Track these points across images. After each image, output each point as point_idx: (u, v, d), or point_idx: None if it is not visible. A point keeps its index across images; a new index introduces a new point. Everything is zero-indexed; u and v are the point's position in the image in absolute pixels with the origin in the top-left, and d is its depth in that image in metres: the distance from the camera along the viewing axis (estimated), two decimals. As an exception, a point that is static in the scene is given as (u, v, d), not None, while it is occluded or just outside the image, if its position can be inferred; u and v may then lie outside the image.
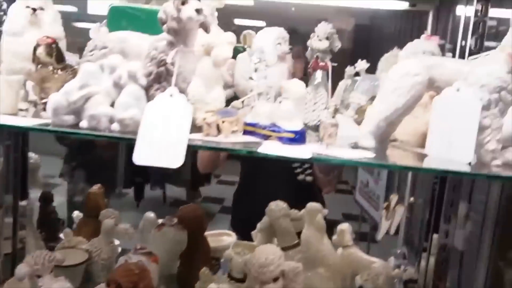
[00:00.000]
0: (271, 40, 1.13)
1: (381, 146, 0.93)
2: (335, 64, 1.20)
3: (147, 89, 0.82)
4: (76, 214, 1.48)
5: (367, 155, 0.77)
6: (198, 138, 0.81)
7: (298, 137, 0.81)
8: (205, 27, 0.80)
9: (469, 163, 0.78)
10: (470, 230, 1.65)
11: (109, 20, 0.98)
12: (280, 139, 0.82)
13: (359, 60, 1.23)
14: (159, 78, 0.80)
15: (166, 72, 0.80)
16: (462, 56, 1.41)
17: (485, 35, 1.35)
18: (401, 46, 1.14)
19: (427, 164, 0.82)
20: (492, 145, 0.79)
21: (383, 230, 1.77)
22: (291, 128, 0.81)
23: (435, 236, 1.32)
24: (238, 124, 0.89)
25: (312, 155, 0.74)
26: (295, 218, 1.27)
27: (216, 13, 0.97)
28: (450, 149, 0.82)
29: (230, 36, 0.94)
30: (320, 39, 1.13)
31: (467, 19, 1.38)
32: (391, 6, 1.95)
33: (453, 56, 1.46)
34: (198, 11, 0.75)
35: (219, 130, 0.83)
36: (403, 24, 1.97)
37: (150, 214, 1.31)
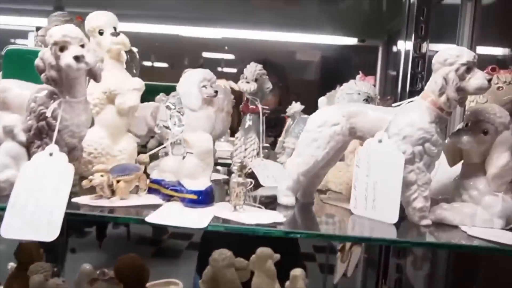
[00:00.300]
0: (195, 83, 1.03)
1: (305, 200, 0.82)
2: (267, 108, 1.11)
3: (28, 146, 0.70)
4: (11, 265, 1.31)
5: (277, 219, 0.66)
6: (86, 202, 0.68)
7: (202, 199, 0.69)
8: (93, 75, 0.69)
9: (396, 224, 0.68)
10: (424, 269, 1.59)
11: (5, 64, 0.86)
12: (183, 200, 0.70)
13: (293, 102, 1.14)
14: (40, 133, 0.68)
15: (48, 127, 0.68)
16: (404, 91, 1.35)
17: (425, 70, 1.30)
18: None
19: (350, 227, 0.71)
20: (419, 202, 0.69)
21: (339, 273, 1.65)
22: (195, 187, 0.70)
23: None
24: (141, 181, 0.77)
25: (208, 223, 0.62)
26: (240, 268, 1.14)
27: (124, 56, 0.86)
28: (375, 208, 0.71)
29: (137, 82, 0.83)
30: (248, 81, 1.04)
31: (407, 54, 1.33)
32: (343, 41, 1.91)
33: (402, 89, 1.41)
34: (78, 58, 0.64)
35: (113, 191, 0.71)
36: (357, 57, 1.92)
37: (86, 266, 1.16)
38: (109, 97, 0.82)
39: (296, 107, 1.10)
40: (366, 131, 0.73)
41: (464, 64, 0.65)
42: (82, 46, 0.67)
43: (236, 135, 1.08)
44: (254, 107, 1.06)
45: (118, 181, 0.71)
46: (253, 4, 1.95)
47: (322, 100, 0.79)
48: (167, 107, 0.90)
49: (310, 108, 1.05)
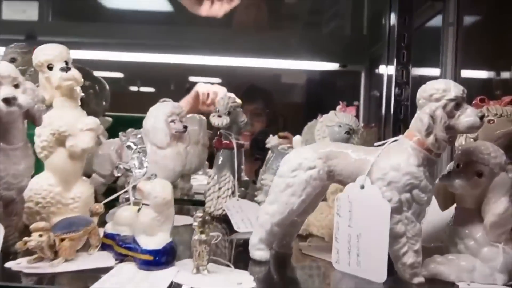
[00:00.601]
0: (162, 118, 0.93)
1: (281, 250, 0.72)
2: (243, 142, 1.01)
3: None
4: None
5: (246, 284, 0.56)
6: (21, 267, 0.57)
7: (158, 260, 0.58)
8: (32, 118, 0.59)
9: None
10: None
11: None
12: (136, 260, 0.60)
13: (270, 136, 1.04)
14: (-32, 188, 0.58)
15: (-25, 180, 0.57)
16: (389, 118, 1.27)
17: (409, 97, 1.23)
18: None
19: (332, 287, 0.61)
20: (410, 257, 0.59)
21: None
22: (150, 246, 0.59)
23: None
24: (93, 237, 0.66)
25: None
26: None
27: (78, 93, 0.76)
28: (360, 264, 0.61)
29: (91, 122, 0.73)
30: (220, 114, 0.94)
31: (389, 80, 1.25)
32: (325, 67, 1.84)
33: (386, 116, 1.33)
34: (9, 100, 0.54)
35: (56, 251, 0.60)
36: (340, 82, 1.86)
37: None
38: (58, 139, 0.71)
39: (274, 140, 1.00)
40: (346, 175, 0.63)
41: (453, 100, 0.56)
42: (16, 86, 0.57)
43: (209, 172, 0.98)
44: (228, 142, 0.96)
45: (62, 240, 0.61)
46: (236, 30, 1.89)
47: (296, 140, 0.70)
48: (128, 147, 0.80)
49: (299, 130, 0.98)
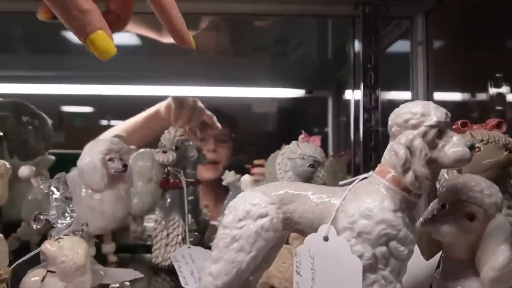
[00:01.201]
0: (98, 157, 0.77)
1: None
2: (193, 180, 0.85)
3: None
4: None
5: None
6: None
7: None
8: None
9: None
10: None
11: None
12: None
13: (226, 171, 0.89)
14: None
15: None
16: (358, 146, 1.14)
17: (379, 122, 1.10)
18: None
19: None
20: (390, 329, 0.44)
21: None
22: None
23: None
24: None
25: None
26: None
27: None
28: None
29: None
30: (165, 150, 0.79)
31: (357, 105, 1.13)
32: (291, 94, 1.73)
33: (354, 143, 1.20)
34: None
35: None
36: (308, 109, 1.74)
37: None
38: None
39: (230, 176, 0.85)
40: (307, 224, 0.48)
41: (434, 126, 0.43)
42: None
43: (155, 217, 0.81)
44: (176, 181, 0.81)
45: None
46: (201, 59, 1.78)
47: (245, 180, 0.54)
48: (49, 193, 0.63)
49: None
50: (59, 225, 0.63)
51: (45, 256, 0.46)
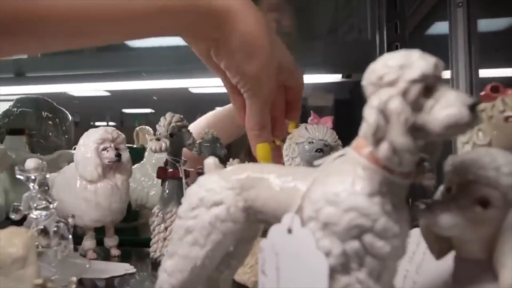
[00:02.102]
0: (91, 146, 0.74)
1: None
2: (191, 170, 0.80)
3: None
4: None
5: None
6: None
7: None
8: None
9: None
10: None
11: None
12: None
13: (231, 160, 0.82)
14: None
15: None
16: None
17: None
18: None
19: None
20: None
21: None
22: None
23: None
24: None
25: None
26: None
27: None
28: None
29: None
30: (158, 138, 0.74)
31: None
32: (327, 79, 1.61)
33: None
34: None
35: None
36: (346, 94, 1.61)
37: None
38: None
39: (235, 163, 0.78)
40: (271, 213, 0.40)
41: (418, 81, 0.32)
42: None
43: (153, 209, 0.76)
44: (175, 170, 0.75)
45: None
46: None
47: (208, 163, 0.46)
48: (26, 182, 0.61)
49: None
50: (32, 216, 0.60)
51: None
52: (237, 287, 0.60)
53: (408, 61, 0.33)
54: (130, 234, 1.03)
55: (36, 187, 0.59)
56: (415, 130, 0.33)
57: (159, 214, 0.75)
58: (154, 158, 1.04)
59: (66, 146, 1.09)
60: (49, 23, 0.40)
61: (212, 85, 1.83)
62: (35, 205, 0.59)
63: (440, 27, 1.18)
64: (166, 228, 0.74)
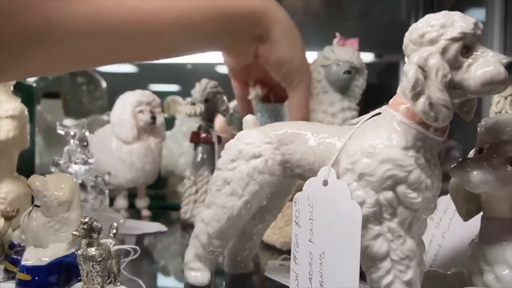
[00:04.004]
0: (127, 108, 0.79)
1: (235, 271, 0.52)
2: (221, 135, 0.83)
3: None
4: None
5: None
6: None
7: (36, 281, 0.42)
8: None
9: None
10: None
11: None
12: (16, 281, 0.44)
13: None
14: None
15: None
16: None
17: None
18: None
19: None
20: (396, 292, 0.37)
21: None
22: (30, 261, 0.43)
23: None
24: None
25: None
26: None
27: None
28: (322, 297, 0.41)
29: (13, 107, 0.59)
30: (193, 102, 0.77)
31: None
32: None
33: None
34: None
35: None
36: (378, 74, 1.60)
37: None
38: (-29, 128, 0.59)
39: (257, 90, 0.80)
40: (307, 167, 0.43)
41: (457, 40, 0.34)
42: None
43: (186, 172, 0.81)
44: (208, 135, 0.79)
45: None
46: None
47: (248, 120, 0.48)
48: (66, 137, 0.65)
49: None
50: (71, 170, 0.65)
51: (31, 190, 0.47)
52: (266, 248, 0.64)
53: (449, 21, 0.35)
54: (158, 201, 1.08)
55: (77, 142, 0.64)
56: (452, 87, 0.35)
57: (191, 177, 0.79)
58: (185, 127, 1.08)
59: (99, 111, 1.14)
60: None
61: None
62: (75, 159, 0.64)
63: (476, 11, 1.16)
64: (197, 191, 0.78)
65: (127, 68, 1.98)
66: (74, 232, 0.40)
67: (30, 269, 0.43)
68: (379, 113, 0.41)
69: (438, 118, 0.34)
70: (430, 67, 0.34)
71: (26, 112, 0.61)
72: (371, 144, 0.37)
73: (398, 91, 0.39)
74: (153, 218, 0.85)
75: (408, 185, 0.36)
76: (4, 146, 0.60)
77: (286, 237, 0.64)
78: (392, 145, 0.37)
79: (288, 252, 0.61)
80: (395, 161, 0.36)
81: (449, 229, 0.54)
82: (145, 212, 0.84)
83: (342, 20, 1.68)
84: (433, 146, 0.38)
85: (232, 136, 0.48)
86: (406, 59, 0.38)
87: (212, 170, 0.79)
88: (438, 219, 0.55)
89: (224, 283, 0.50)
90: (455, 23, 0.34)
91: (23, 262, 0.43)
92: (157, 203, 0.93)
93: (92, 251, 0.40)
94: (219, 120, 0.90)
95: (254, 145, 0.44)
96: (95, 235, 0.41)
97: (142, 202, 0.85)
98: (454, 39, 0.34)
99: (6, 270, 0.47)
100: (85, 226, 0.40)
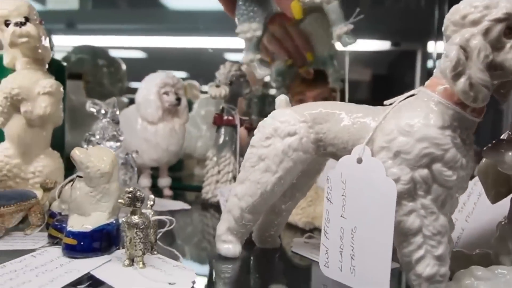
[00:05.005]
0: (153, 89, 0.80)
1: (263, 246, 0.54)
2: (246, 118, 0.84)
3: None
4: None
5: (179, 285, 0.39)
6: None
7: (84, 246, 0.44)
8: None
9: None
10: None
11: None
12: (63, 245, 0.46)
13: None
14: None
15: None
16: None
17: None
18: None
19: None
20: (427, 266, 0.39)
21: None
22: (76, 227, 0.45)
23: None
24: (33, 215, 0.54)
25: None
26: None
27: (45, 50, 0.65)
28: (354, 270, 0.42)
29: (50, 84, 0.61)
30: (218, 84, 0.79)
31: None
32: (375, 46, 1.60)
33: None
34: None
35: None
36: (394, 63, 1.59)
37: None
38: (13, 104, 0.61)
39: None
40: (340, 145, 0.44)
41: (501, 21, 0.35)
42: None
43: (208, 153, 0.82)
44: (230, 118, 0.80)
45: (-10, 215, 0.49)
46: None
47: (280, 99, 0.50)
48: (98, 115, 0.67)
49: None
50: (107, 147, 0.66)
51: (74, 162, 0.49)
52: (289, 227, 0.65)
53: (493, 2, 0.35)
54: (174, 182, 1.09)
55: (108, 119, 0.66)
56: (493, 68, 0.36)
57: (213, 158, 0.81)
58: (203, 110, 1.10)
59: (119, 94, 1.16)
60: None
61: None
62: (107, 135, 0.65)
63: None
64: (219, 172, 0.80)
65: (140, 54, 1.99)
66: (120, 200, 0.42)
67: (76, 235, 0.45)
68: (413, 95, 0.42)
69: (477, 98, 0.35)
70: (472, 48, 0.35)
71: (61, 89, 0.63)
72: (408, 123, 0.38)
73: (435, 71, 0.40)
74: (175, 198, 0.86)
75: (444, 163, 0.37)
76: (41, 122, 0.62)
77: (309, 217, 0.65)
78: (429, 124, 0.38)
79: (311, 231, 0.63)
80: (432, 140, 0.37)
81: (473, 213, 0.55)
82: (167, 192, 0.86)
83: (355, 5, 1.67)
84: (469, 127, 0.39)
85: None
86: (431, 45, 0.39)
87: (234, 152, 0.80)
88: (462, 204, 0.56)
89: (252, 257, 0.52)
90: (500, 3, 0.35)
91: (69, 228, 0.45)
92: (173, 184, 0.95)
93: (136, 218, 0.42)
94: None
95: (289, 123, 0.45)
96: (139, 204, 0.42)
97: (164, 182, 0.87)
98: (498, 20, 0.35)
99: (50, 236, 0.49)
100: (130, 195, 0.42)
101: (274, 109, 0.51)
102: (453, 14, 0.37)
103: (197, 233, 0.65)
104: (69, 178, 0.58)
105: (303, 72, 0.84)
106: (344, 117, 0.44)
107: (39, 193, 0.56)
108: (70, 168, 0.75)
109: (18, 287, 0.38)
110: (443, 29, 0.39)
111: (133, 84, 1.30)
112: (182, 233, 0.63)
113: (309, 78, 0.84)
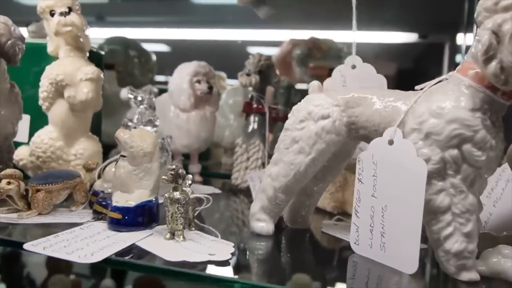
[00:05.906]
0: (186, 78, 0.84)
1: (294, 226, 0.57)
2: (276, 107, 0.87)
3: None
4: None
5: (218, 257, 0.43)
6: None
7: (128, 220, 0.48)
8: (7, 57, 0.53)
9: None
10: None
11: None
12: (107, 219, 0.50)
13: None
14: None
15: None
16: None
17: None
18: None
19: (348, 276, 0.45)
20: (456, 242, 0.41)
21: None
22: (121, 203, 0.49)
23: None
24: (77, 193, 0.58)
25: (103, 257, 0.40)
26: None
27: (86, 39, 0.69)
28: (384, 247, 0.45)
29: (91, 71, 0.65)
30: (248, 73, 0.81)
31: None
32: (401, 39, 1.60)
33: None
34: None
35: (29, 203, 0.53)
36: (421, 56, 1.59)
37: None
38: (57, 90, 0.65)
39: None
40: (372, 128, 0.46)
41: (533, 6, 0.37)
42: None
43: (237, 140, 0.85)
44: (260, 106, 0.83)
45: (37, 191, 0.54)
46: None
47: (314, 85, 0.52)
48: (135, 102, 0.71)
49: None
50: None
51: (118, 142, 0.52)
52: (317, 211, 0.68)
53: (525, -12, 0.37)
54: (202, 170, 1.13)
55: (145, 105, 0.70)
56: (524, 52, 0.37)
57: (243, 145, 0.84)
58: (231, 99, 1.13)
59: (149, 84, 1.20)
60: None
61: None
62: (144, 120, 0.69)
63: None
64: (248, 159, 0.83)
65: (167, 46, 2.04)
66: (163, 177, 0.46)
67: (120, 209, 0.49)
68: (444, 80, 0.44)
69: (508, 81, 0.37)
70: (504, 32, 0.37)
71: (102, 76, 0.67)
72: (439, 106, 0.40)
73: (467, 56, 0.42)
74: (204, 183, 0.90)
75: (473, 144, 0.39)
76: (83, 107, 0.66)
77: (337, 201, 0.68)
78: (460, 106, 0.40)
79: (340, 214, 0.66)
80: (463, 121, 0.39)
81: (500, 198, 0.56)
82: (197, 177, 0.90)
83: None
84: (499, 110, 0.40)
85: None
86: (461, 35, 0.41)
87: (263, 139, 0.83)
88: (490, 189, 0.58)
89: (283, 236, 0.55)
90: (532, -10, 0.37)
91: (114, 204, 0.49)
92: (202, 172, 0.98)
93: (177, 194, 0.46)
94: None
95: (322, 107, 0.48)
96: (180, 180, 0.46)
97: (195, 168, 0.90)
98: (529, 6, 0.36)
99: (95, 212, 0.53)
100: (173, 172, 0.45)
101: (299, 100, 0.54)
102: (485, 1, 0.39)
103: (229, 215, 0.69)
104: (109, 160, 0.62)
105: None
106: (376, 101, 0.46)
107: (81, 173, 0.61)
108: (105, 152, 0.80)
109: (74, 251, 0.42)
110: (475, 15, 0.40)
111: (159, 78, 1.35)
112: (215, 214, 0.66)
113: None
